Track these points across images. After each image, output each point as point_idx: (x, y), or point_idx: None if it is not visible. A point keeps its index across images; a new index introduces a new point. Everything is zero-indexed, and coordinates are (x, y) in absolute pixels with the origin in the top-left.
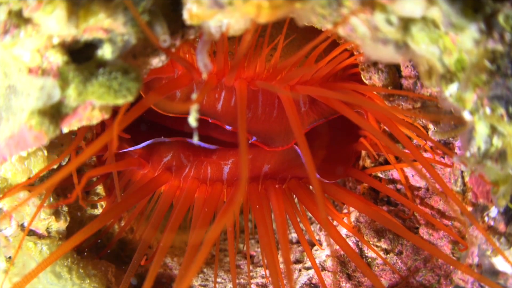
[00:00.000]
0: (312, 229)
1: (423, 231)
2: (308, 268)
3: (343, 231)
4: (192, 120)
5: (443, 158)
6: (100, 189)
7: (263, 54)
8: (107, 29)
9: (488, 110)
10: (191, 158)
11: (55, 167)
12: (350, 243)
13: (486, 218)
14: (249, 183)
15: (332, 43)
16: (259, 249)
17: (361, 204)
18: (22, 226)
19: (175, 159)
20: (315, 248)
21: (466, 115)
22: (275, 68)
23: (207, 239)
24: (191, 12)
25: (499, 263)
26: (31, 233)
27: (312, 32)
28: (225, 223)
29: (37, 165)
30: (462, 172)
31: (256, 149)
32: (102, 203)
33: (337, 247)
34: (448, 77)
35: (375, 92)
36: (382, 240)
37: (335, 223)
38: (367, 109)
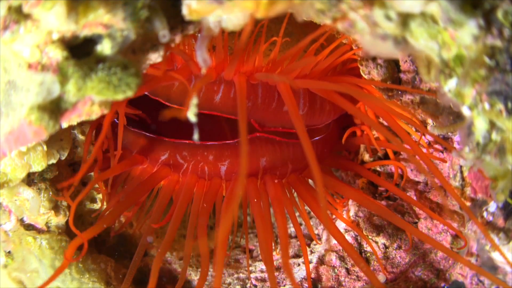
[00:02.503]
0: (312, 223)
1: (422, 226)
2: None
3: (342, 225)
4: (191, 115)
5: (442, 153)
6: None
7: (261, 48)
8: (106, 24)
9: (487, 106)
10: (187, 158)
11: (54, 161)
12: (349, 238)
13: (485, 213)
14: (247, 177)
15: (331, 37)
16: (258, 244)
17: (361, 197)
18: (21, 221)
19: (172, 158)
20: (314, 242)
21: (465, 110)
22: (274, 62)
23: (219, 243)
24: (190, 7)
25: (498, 257)
26: (31, 227)
27: (312, 26)
28: (230, 222)
29: (37, 160)
30: (461, 167)
31: (250, 144)
32: (101, 196)
33: (335, 242)
34: (447, 72)
35: (374, 86)
36: (381, 234)
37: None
38: (366, 102)
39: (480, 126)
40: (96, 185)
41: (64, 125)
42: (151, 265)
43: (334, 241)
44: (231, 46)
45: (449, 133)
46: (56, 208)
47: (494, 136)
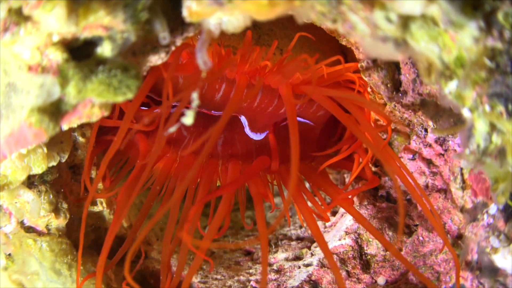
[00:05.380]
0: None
1: (423, 228)
2: (307, 265)
3: (343, 228)
4: (189, 118)
5: (442, 155)
6: (100, 186)
7: (269, 52)
8: (106, 26)
9: (487, 108)
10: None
11: (54, 164)
12: (350, 240)
13: (485, 216)
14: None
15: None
16: (259, 246)
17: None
18: (22, 223)
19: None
20: (314, 244)
21: (466, 113)
22: (279, 64)
23: None
24: (190, 9)
25: (498, 260)
26: (31, 230)
27: (314, 27)
28: None
29: (37, 162)
30: (461, 169)
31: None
32: (102, 200)
33: (335, 245)
34: (447, 74)
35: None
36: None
37: (333, 220)
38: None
39: (481, 128)
40: (97, 186)
41: (65, 127)
42: (151, 268)
43: (334, 244)
44: (235, 45)
45: (449, 136)
46: (56, 210)
47: (495, 138)
